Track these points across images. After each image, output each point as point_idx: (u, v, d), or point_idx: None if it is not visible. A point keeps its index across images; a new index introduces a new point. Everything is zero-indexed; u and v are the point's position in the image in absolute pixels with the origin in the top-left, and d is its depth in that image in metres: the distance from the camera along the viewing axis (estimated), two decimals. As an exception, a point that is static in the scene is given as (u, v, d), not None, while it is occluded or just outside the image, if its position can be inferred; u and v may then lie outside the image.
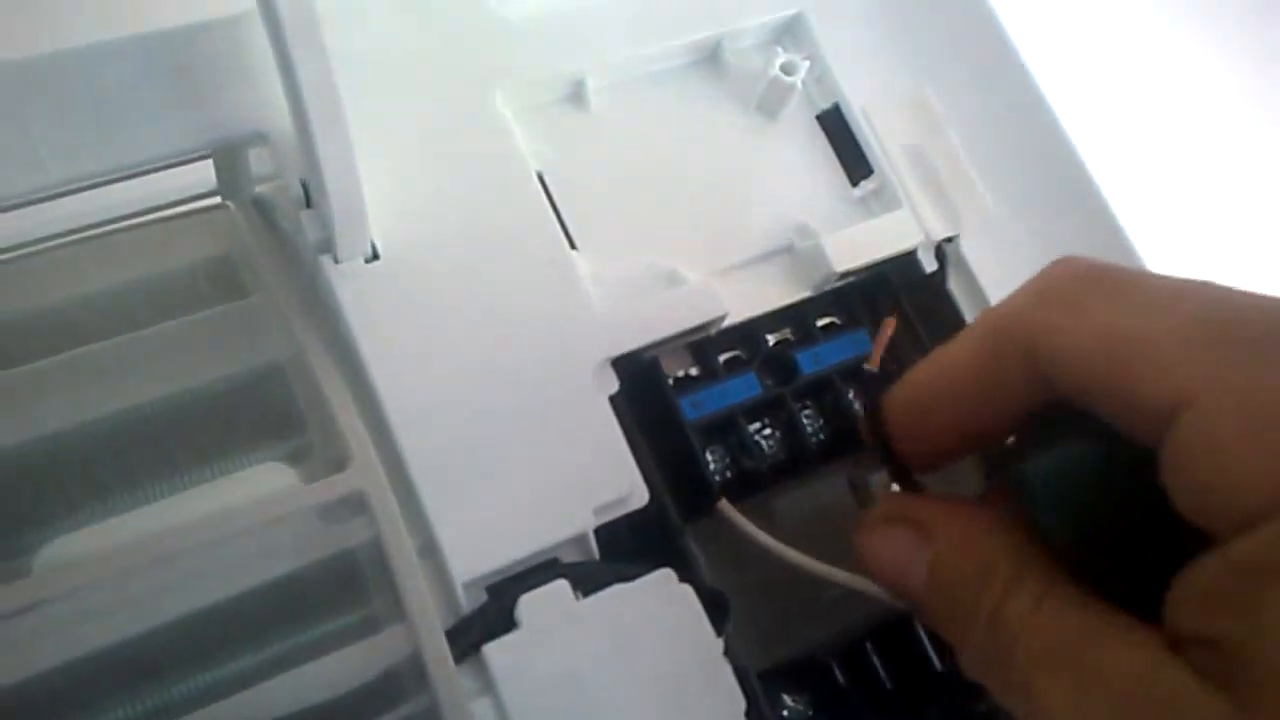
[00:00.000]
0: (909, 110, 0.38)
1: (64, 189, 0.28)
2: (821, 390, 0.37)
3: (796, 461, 0.37)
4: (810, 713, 0.35)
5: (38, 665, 0.24)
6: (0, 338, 0.28)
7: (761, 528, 0.35)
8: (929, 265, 0.37)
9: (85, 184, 0.28)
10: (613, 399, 0.32)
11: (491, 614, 0.28)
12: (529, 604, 0.29)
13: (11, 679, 0.23)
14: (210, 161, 0.33)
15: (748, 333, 0.36)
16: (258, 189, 0.34)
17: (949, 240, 0.37)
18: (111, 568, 0.25)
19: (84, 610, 0.24)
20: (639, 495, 0.31)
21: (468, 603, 0.29)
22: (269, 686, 0.25)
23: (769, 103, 0.37)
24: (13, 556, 0.25)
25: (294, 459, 0.28)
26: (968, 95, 0.38)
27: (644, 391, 0.34)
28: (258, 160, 0.33)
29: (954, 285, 0.37)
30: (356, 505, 0.28)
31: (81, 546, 0.25)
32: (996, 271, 0.36)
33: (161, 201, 0.34)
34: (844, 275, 0.36)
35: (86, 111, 0.28)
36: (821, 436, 0.37)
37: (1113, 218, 0.37)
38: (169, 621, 0.25)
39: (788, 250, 0.36)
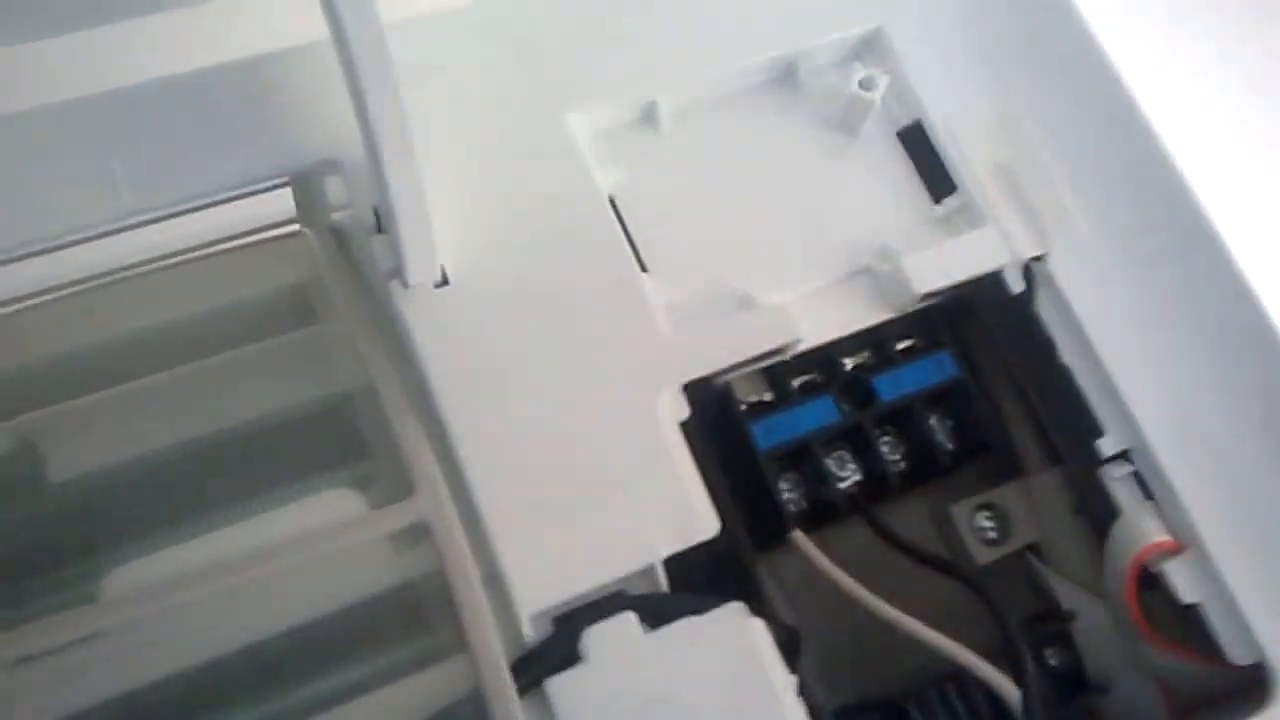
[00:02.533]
0: (995, 125, 0.36)
1: (142, 219, 0.28)
2: (902, 416, 0.36)
3: (875, 490, 0.36)
4: (886, 753, 0.33)
5: (101, 693, 0.24)
6: (79, 365, 0.29)
7: (838, 558, 0.34)
8: (1016, 286, 0.35)
9: (162, 214, 0.28)
10: (683, 425, 0.31)
11: (556, 646, 0.28)
12: (595, 636, 0.28)
13: (76, 705, 0.24)
14: (289, 190, 0.33)
15: (824, 357, 0.35)
16: (335, 216, 0.34)
17: (1037, 259, 0.35)
18: (177, 596, 0.25)
19: (150, 637, 0.25)
20: (709, 525, 0.30)
21: (533, 634, 0.28)
22: (331, 717, 0.25)
23: (847, 120, 0.36)
24: (81, 582, 0.26)
25: (361, 485, 0.28)
26: (1058, 110, 0.37)
27: (716, 418, 0.33)
28: (335, 188, 0.33)
29: (1042, 307, 0.35)
30: (421, 533, 0.27)
31: (151, 573, 0.25)
32: (1089, 292, 0.35)
33: (243, 229, 0.34)
34: (926, 296, 0.34)
35: (162, 142, 0.29)
36: (902, 465, 0.36)
37: (1215, 233, 0.35)
38: (232, 650, 0.25)
39: (867, 271, 0.35)
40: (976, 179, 0.36)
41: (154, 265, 0.32)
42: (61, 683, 0.24)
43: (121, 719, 0.25)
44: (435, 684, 0.26)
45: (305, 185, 0.33)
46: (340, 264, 0.32)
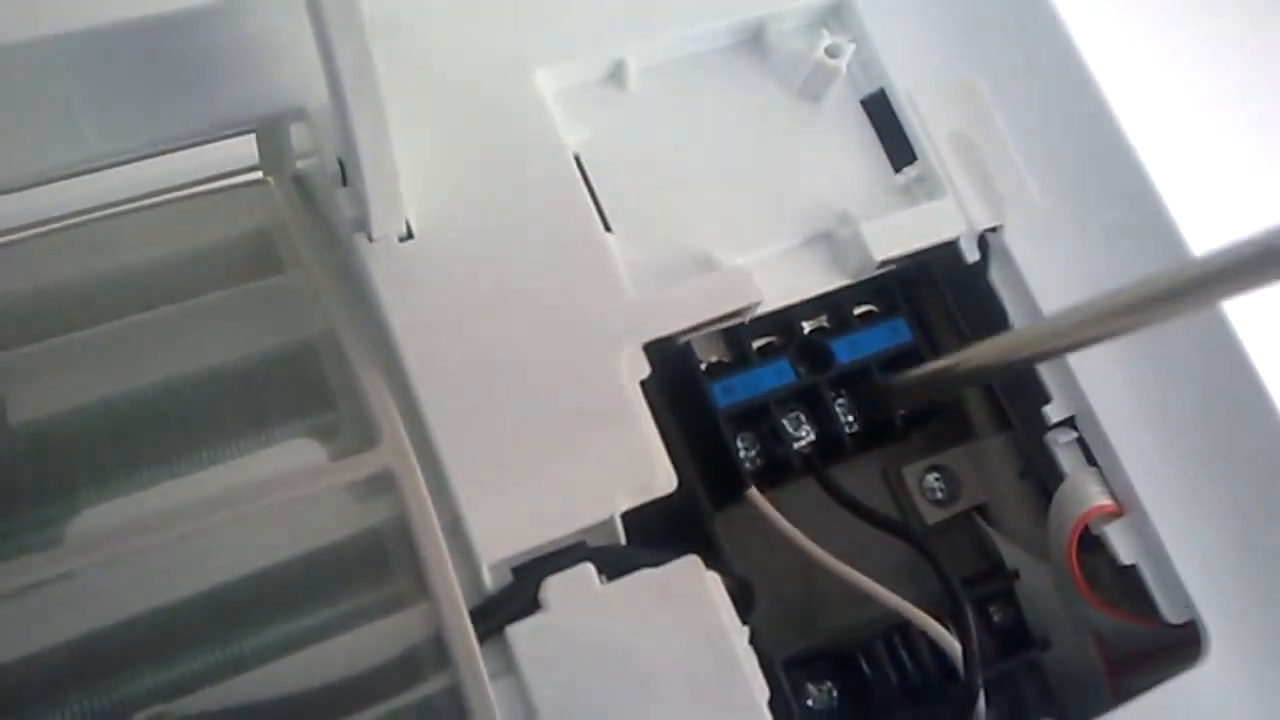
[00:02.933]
0: (956, 96, 0.37)
1: (106, 164, 0.28)
2: (857, 379, 0.37)
3: (829, 450, 0.36)
4: (835, 703, 0.34)
5: (66, 634, 0.24)
6: (39, 308, 0.28)
7: (791, 516, 0.35)
8: (971, 255, 0.36)
9: (127, 159, 0.28)
10: (644, 384, 0.32)
11: (516, 595, 0.29)
12: (554, 586, 0.29)
13: (40, 647, 0.24)
14: (253, 136, 0.33)
15: (783, 319, 0.36)
16: (299, 164, 0.34)
17: (993, 230, 0.36)
18: (141, 540, 0.25)
19: (112, 581, 0.25)
20: (667, 481, 0.31)
21: (492, 584, 0.29)
22: (291, 661, 0.25)
23: (812, 86, 0.36)
24: (46, 525, 0.26)
25: (324, 435, 0.28)
26: (1018, 82, 0.37)
27: (676, 377, 0.34)
28: (300, 135, 0.33)
29: (996, 276, 0.36)
30: (384, 483, 0.28)
31: (113, 517, 0.26)
32: (1040, 263, 0.36)
33: (205, 175, 0.34)
34: (884, 264, 0.35)
35: (128, 85, 0.29)
36: (855, 426, 0.37)
37: (1164, 210, 0.36)
38: (195, 594, 0.25)
39: (827, 237, 0.36)
40: (937, 150, 0.36)
41: (116, 209, 0.31)
42: (23, 624, 0.24)
43: (83, 661, 0.25)
44: (397, 629, 0.27)
45: (269, 132, 0.33)
46: (304, 213, 0.32)
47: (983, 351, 0.31)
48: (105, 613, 0.25)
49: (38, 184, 0.28)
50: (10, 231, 0.30)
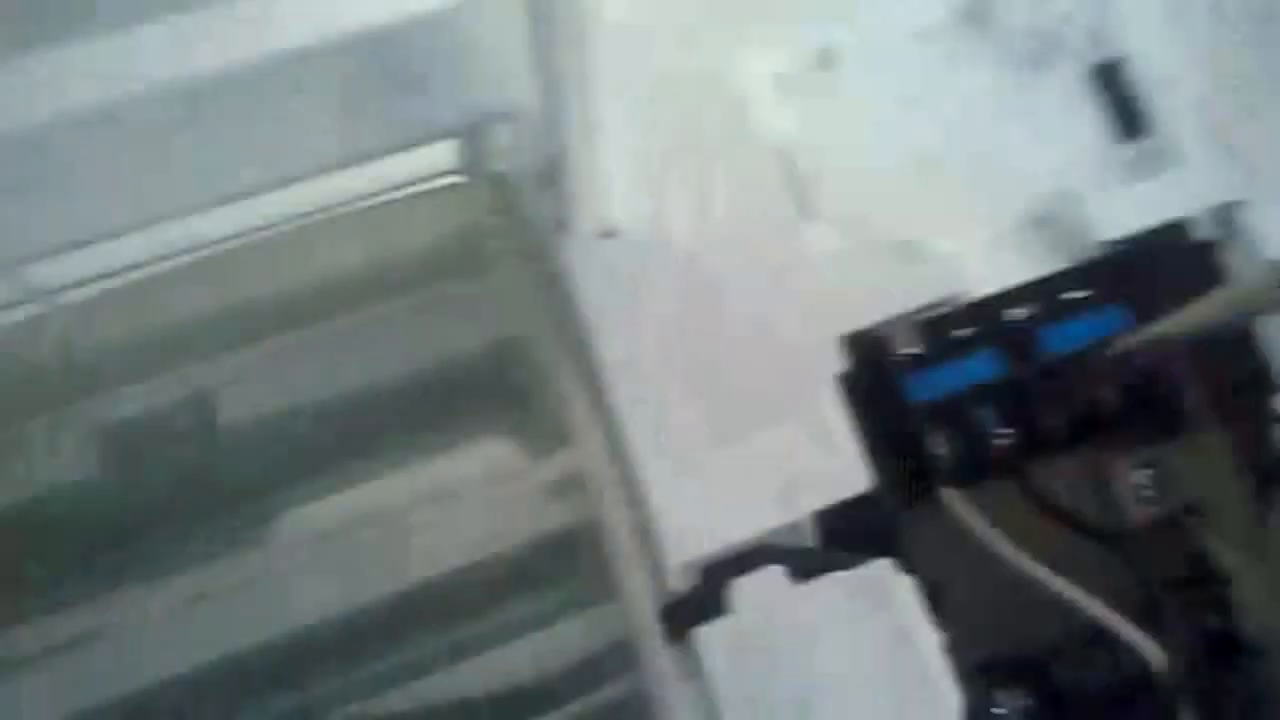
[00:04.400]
0: (1197, 62, 0.33)
1: (313, 173, 0.28)
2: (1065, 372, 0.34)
3: (1030, 447, 0.34)
4: (1027, 710, 0.33)
5: (267, 633, 0.25)
6: (248, 315, 0.29)
7: (984, 514, 0.33)
8: (1205, 232, 0.33)
9: (333, 168, 0.28)
10: (839, 378, 0.30)
11: (704, 597, 0.28)
12: (742, 589, 0.28)
13: (243, 645, 0.25)
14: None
15: (987, 308, 0.34)
16: (498, 167, 0.33)
17: (1232, 205, 0.33)
18: (343, 540, 0.26)
19: (312, 581, 0.26)
20: (859, 480, 0.30)
21: (681, 584, 0.29)
22: (480, 662, 0.26)
23: (1040, 57, 0.33)
24: (252, 525, 0.27)
25: (518, 433, 0.29)
26: (1263, 49, 0.33)
27: (870, 370, 0.32)
28: (499, 138, 0.32)
29: (1235, 255, 0.33)
30: (576, 483, 0.28)
31: (314, 517, 0.26)
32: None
33: (407, 179, 0.34)
34: (1105, 244, 0.32)
35: (344, 98, 0.29)
36: (1062, 421, 0.34)
37: None
38: (387, 594, 0.26)
39: (1042, 217, 0.33)
40: (1171, 119, 0.33)
41: (322, 216, 0.32)
42: (228, 623, 0.25)
43: (280, 663, 0.26)
44: (585, 630, 0.27)
45: (471, 135, 0.32)
46: (503, 214, 0.32)
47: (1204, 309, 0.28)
48: (300, 614, 0.26)
49: (248, 196, 0.28)
50: (223, 242, 0.30)
